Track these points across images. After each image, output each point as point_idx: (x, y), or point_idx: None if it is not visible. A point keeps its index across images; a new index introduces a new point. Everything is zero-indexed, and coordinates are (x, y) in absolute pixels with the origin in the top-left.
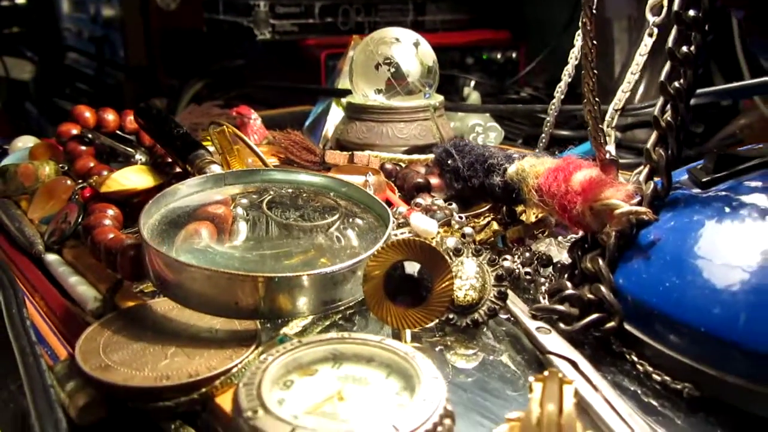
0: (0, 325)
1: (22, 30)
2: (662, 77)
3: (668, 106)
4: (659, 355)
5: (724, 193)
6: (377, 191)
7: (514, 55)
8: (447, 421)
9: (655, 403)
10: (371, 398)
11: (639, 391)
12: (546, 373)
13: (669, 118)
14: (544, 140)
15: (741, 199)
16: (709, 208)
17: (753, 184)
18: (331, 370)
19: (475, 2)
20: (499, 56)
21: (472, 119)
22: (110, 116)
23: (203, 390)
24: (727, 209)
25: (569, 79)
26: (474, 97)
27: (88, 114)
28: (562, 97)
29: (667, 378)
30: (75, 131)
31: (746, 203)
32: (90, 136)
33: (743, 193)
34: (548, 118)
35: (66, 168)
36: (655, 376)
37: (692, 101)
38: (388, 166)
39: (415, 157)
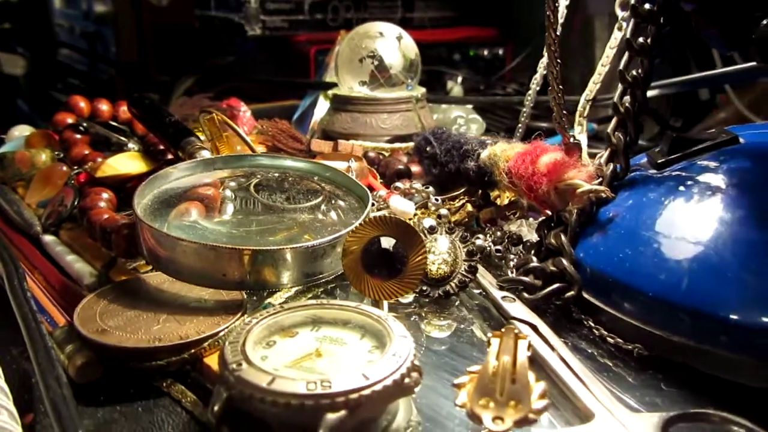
0: (2, 298)
1: (13, 26)
2: (620, 66)
3: (627, 93)
4: (613, 320)
5: (676, 173)
6: (359, 177)
7: (500, 51)
8: (414, 375)
9: (609, 363)
10: (346, 355)
11: (595, 353)
12: (503, 329)
13: (627, 104)
14: (520, 131)
15: (691, 177)
16: (661, 186)
17: (703, 164)
18: (310, 333)
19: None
20: (486, 53)
21: (455, 111)
22: (104, 106)
23: (193, 351)
24: (677, 187)
25: (545, 72)
26: (456, 90)
27: (82, 104)
28: (538, 89)
29: (619, 340)
30: (70, 120)
31: (695, 181)
32: (85, 125)
33: (693, 172)
34: (524, 109)
35: (61, 155)
36: (609, 339)
37: (658, 92)
38: (371, 154)
39: (397, 145)
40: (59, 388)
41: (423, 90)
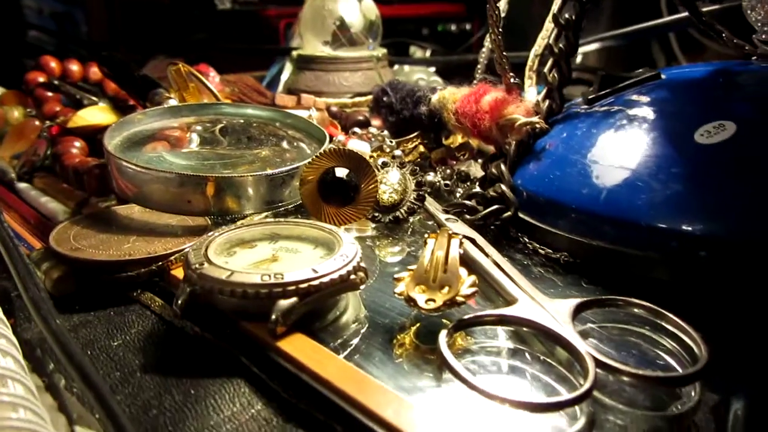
0: None
1: None
2: (554, 10)
3: (561, 36)
4: (545, 235)
5: (603, 107)
6: (320, 125)
7: (468, 26)
8: (360, 274)
9: (540, 270)
10: (300, 260)
11: (528, 263)
12: (438, 231)
13: (561, 46)
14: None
15: (614, 109)
16: (590, 118)
17: (626, 97)
18: (269, 245)
19: None
20: (453, 28)
21: (417, 74)
22: (75, 67)
23: (160, 263)
24: (602, 117)
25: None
26: (419, 54)
27: (53, 64)
28: (491, 46)
29: (549, 251)
30: (41, 79)
31: (618, 111)
32: (56, 83)
33: (617, 104)
34: (478, 66)
35: (33, 112)
36: (540, 251)
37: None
38: (334, 109)
39: (357, 99)
40: (37, 291)
41: (384, 50)
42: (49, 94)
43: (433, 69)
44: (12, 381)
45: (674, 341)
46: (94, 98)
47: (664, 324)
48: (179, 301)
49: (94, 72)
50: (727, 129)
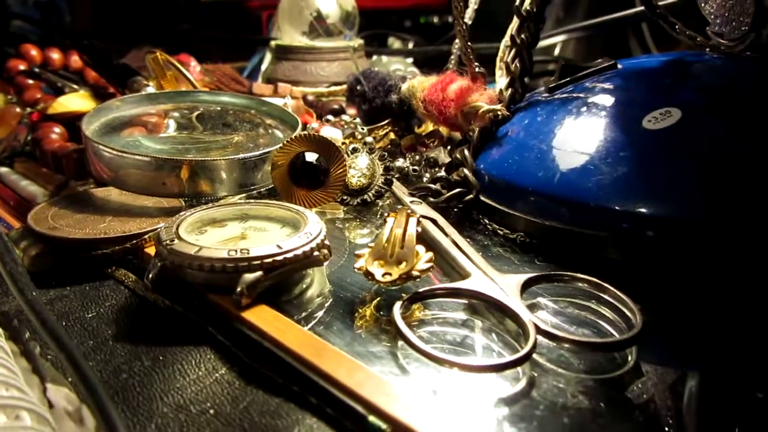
0: None
1: None
2: (517, 2)
3: (523, 28)
4: (504, 216)
5: (562, 95)
6: (295, 114)
7: (450, 19)
8: (324, 251)
9: (499, 249)
10: (267, 237)
11: (488, 243)
12: (398, 210)
13: (523, 37)
14: None
15: (572, 97)
16: (549, 105)
17: (583, 85)
18: (238, 224)
19: None
20: (435, 20)
21: (394, 64)
22: (55, 55)
23: (134, 242)
24: (560, 105)
25: (470, 22)
26: (397, 45)
27: (34, 52)
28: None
29: (507, 231)
30: (22, 67)
31: (574, 99)
32: (37, 71)
33: (575, 92)
34: (452, 57)
35: (14, 99)
36: (499, 232)
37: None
38: (310, 97)
39: (334, 88)
40: (15, 265)
41: (360, 41)
42: (30, 81)
43: (410, 60)
44: None
45: (614, 312)
46: (74, 86)
47: (606, 297)
48: (150, 275)
49: (75, 60)
50: (672, 115)
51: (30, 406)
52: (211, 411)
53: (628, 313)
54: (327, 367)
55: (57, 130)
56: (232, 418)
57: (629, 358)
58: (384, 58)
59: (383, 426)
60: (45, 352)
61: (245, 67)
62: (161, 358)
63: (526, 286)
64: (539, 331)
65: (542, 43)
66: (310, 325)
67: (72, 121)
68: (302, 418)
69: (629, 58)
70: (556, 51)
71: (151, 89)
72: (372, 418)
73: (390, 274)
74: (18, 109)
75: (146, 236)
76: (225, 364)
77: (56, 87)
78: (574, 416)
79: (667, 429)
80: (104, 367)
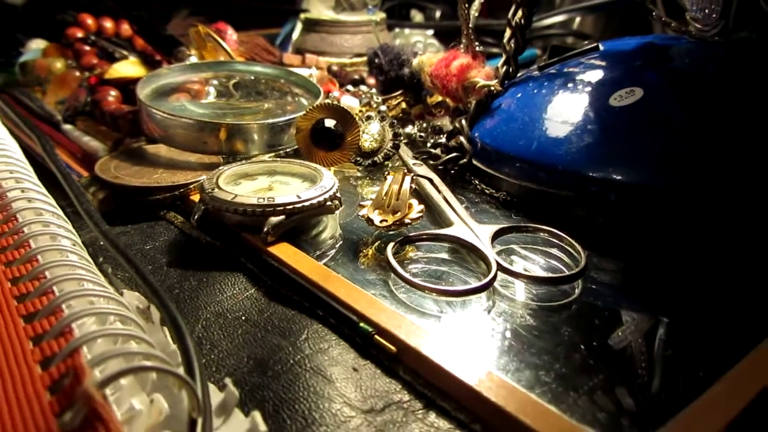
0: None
1: None
2: None
3: (518, 11)
4: (491, 178)
5: (550, 72)
6: (320, 83)
7: None
8: (335, 201)
9: (485, 205)
10: (290, 189)
11: (477, 200)
12: (396, 168)
13: (518, 20)
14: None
15: (557, 74)
16: (537, 81)
17: (568, 65)
18: (267, 178)
19: None
20: None
21: (415, 36)
22: (108, 24)
23: (182, 190)
24: (546, 81)
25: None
26: (418, 18)
27: (90, 21)
28: (476, 14)
29: (492, 191)
30: (80, 34)
31: (558, 76)
32: (92, 38)
33: (560, 70)
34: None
35: (73, 64)
36: (486, 191)
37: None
38: (334, 67)
39: (356, 59)
40: (88, 204)
41: (383, 15)
42: (87, 48)
43: (431, 32)
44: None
45: (568, 256)
46: (124, 52)
47: (562, 244)
48: (196, 217)
49: (125, 29)
50: (635, 94)
51: (124, 312)
52: (243, 317)
53: (578, 257)
54: (331, 288)
55: (113, 93)
56: (258, 322)
57: (576, 291)
58: (406, 30)
59: (370, 329)
60: (115, 271)
61: (278, 33)
62: (204, 279)
63: (497, 235)
64: (500, 267)
65: (559, 18)
66: (323, 261)
67: (125, 85)
68: (310, 324)
69: (615, 39)
70: (575, 25)
71: (193, 59)
72: (362, 324)
73: (386, 221)
74: (77, 73)
75: (191, 186)
76: (254, 285)
77: (108, 53)
78: (518, 329)
79: (585, 340)
80: (161, 285)
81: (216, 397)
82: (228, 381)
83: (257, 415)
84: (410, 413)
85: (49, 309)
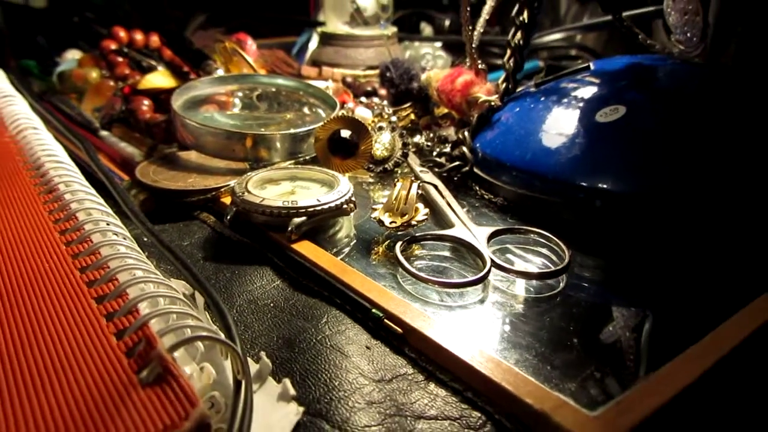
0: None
1: None
2: (513, 13)
3: (517, 34)
4: (490, 185)
5: (545, 89)
6: (335, 94)
7: None
8: (351, 205)
9: (484, 210)
10: (310, 193)
11: (477, 204)
12: (404, 177)
13: (516, 41)
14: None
15: (551, 91)
16: (533, 97)
17: (562, 82)
18: (290, 183)
19: None
20: None
21: (424, 48)
22: (138, 36)
23: (213, 193)
24: (541, 97)
25: (488, 17)
26: (427, 31)
27: (122, 33)
28: (482, 30)
29: (491, 196)
30: (113, 46)
31: (552, 93)
32: (125, 50)
33: (554, 87)
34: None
35: (107, 74)
36: (485, 197)
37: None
38: (348, 79)
39: (369, 72)
40: (131, 203)
41: (394, 29)
42: (120, 59)
43: (439, 44)
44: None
45: (555, 255)
46: (153, 63)
47: (550, 244)
48: (228, 217)
49: (154, 40)
50: (619, 111)
51: (175, 294)
52: (271, 304)
53: (564, 255)
54: (347, 279)
55: (146, 102)
56: (284, 308)
57: (560, 285)
58: (416, 43)
59: (380, 314)
60: (159, 264)
61: (294, 42)
62: (236, 272)
63: (493, 236)
64: (494, 264)
65: (557, 36)
66: (340, 257)
67: (156, 95)
68: (329, 310)
69: (605, 58)
70: (578, 38)
71: (220, 71)
72: (374, 310)
73: (395, 222)
74: (111, 83)
75: (221, 189)
76: (280, 277)
77: (138, 63)
78: (507, 316)
79: (565, 326)
80: None
81: (252, 368)
82: (263, 354)
83: (287, 381)
84: (414, 383)
85: (116, 293)
